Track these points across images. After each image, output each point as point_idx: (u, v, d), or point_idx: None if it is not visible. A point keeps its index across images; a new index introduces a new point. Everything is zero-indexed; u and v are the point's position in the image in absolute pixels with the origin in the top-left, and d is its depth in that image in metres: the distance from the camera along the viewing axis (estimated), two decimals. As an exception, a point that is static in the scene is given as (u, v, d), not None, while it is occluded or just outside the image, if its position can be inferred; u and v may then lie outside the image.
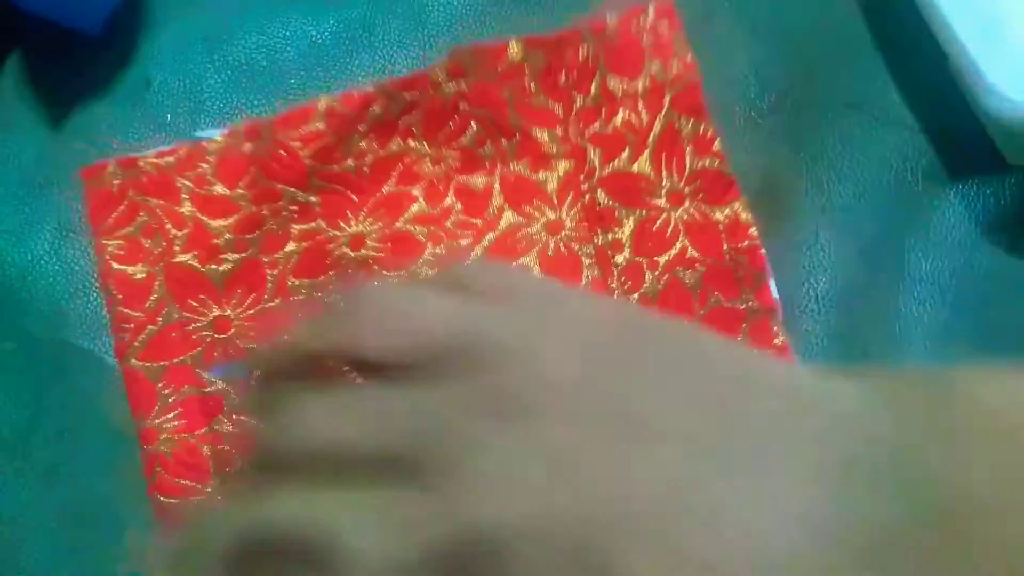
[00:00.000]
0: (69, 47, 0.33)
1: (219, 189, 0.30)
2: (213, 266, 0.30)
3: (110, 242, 0.30)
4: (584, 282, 0.30)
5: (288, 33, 0.34)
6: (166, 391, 0.29)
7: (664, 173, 0.30)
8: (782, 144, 0.31)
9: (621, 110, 0.30)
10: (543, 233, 0.30)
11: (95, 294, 0.31)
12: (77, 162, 0.32)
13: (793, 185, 0.30)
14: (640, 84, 0.30)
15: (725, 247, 0.29)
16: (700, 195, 0.30)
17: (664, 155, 0.30)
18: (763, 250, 0.29)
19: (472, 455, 0.16)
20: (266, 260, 0.30)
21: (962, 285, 0.28)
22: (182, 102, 0.33)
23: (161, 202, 0.30)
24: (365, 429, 0.17)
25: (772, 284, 0.29)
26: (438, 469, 0.16)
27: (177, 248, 0.30)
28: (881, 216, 0.28)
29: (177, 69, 0.33)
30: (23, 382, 0.31)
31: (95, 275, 0.31)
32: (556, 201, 0.30)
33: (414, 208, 0.31)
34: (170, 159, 0.30)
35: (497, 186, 0.31)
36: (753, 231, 0.29)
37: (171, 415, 0.29)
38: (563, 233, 0.30)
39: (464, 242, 0.30)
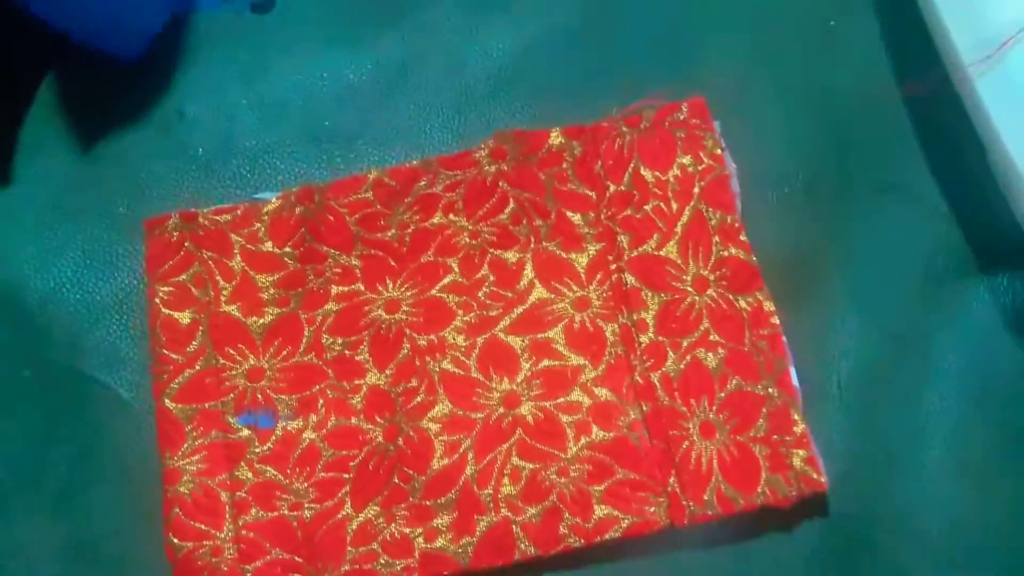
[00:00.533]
0: (103, 73, 0.34)
1: (269, 246, 0.32)
2: (255, 318, 0.31)
3: (162, 288, 0.32)
4: (607, 357, 0.30)
5: (325, 74, 0.34)
6: (194, 434, 0.30)
7: (691, 259, 0.31)
8: (814, 224, 0.32)
9: (652, 199, 0.32)
10: (570, 308, 0.31)
11: (114, 326, 0.32)
12: (107, 188, 0.32)
13: (822, 267, 0.31)
14: (671, 175, 0.32)
15: (747, 334, 0.30)
16: (724, 282, 0.31)
17: (691, 243, 0.31)
18: (784, 339, 0.30)
19: None
20: (304, 316, 0.32)
21: (987, 382, 0.28)
22: (214, 136, 0.34)
23: (214, 255, 0.32)
24: None
25: (793, 372, 0.29)
26: None
27: (224, 298, 0.32)
28: (909, 305, 0.29)
29: (211, 103, 0.34)
30: (38, 411, 0.31)
31: (116, 309, 0.32)
32: (585, 279, 0.32)
33: (449, 278, 0.32)
34: (227, 216, 0.32)
35: (530, 262, 0.32)
36: (775, 320, 0.30)
37: (196, 457, 0.30)
38: (590, 310, 0.31)
39: (494, 312, 0.31)
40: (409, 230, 0.32)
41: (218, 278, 0.32)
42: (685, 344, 0.30)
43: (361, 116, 0.34)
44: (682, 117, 0.32)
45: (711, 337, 0.30)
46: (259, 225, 0.32)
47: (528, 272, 0.32)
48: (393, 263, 0.32)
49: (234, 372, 0.31)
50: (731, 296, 0.31)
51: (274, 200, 0.33)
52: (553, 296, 0.31)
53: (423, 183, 0.33)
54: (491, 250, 0.32)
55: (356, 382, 0.31)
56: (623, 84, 0.33)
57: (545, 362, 0.31)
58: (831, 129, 0.33)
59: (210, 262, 0.32)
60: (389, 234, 0.32)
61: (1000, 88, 0.28)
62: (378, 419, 0.30)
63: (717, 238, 0.31)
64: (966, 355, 0.29)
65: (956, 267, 0.30)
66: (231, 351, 0.31)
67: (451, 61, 0.35)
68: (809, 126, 0.33)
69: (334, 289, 0.32)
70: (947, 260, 0.31)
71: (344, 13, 0.36)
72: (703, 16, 0.35)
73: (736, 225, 0.31)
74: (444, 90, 0.35)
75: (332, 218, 0.32)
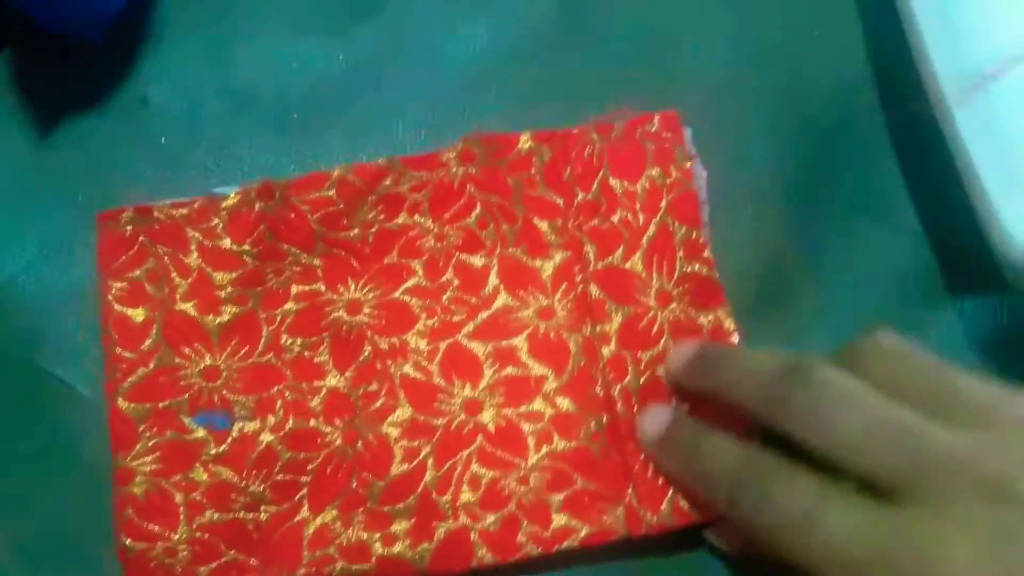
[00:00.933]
0: (64, 54, 0.32)
1: (227, 243, 0.31)
2: (211, 316, 0.31)
3: (116, 284, 0.31)
4: (570, 368, 0.31)
5: (295, 63, 0.33)
6: (147, 434, 0.30)
7: (655, 273, 0.31)
8: (786, 240, 0.32)
9: (619, 209, 0.32)
10: (534, 317, 0.31)
11: (72, 320, 0.31)
12: (65, 175, 0.31)
13: (792, 283, 0.31)
14: (639, 187, 0.32)
15: None
16: (687, 298, 0.31)
17: (656, 256, 0.31)
18: None
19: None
20: (263, 315, 0.31)
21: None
22: (178, 125, 0.32)
23: (169, 250, 0.31)
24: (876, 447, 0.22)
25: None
26: (916, 501, 0.21)
27: (179, 296, 0.31)
28: (878, 323, 0.29)
29: (176, 89, 0.32)
30: (-8, 404, 0.30)
31: (73, 300, 0.31)
32: (550, 288, 0.32)
33: (413, 280, 0.32)
34: (184, 211, 0.31)
35: (495, 267, 0.32)
36: (735, 338, 0.31)
37: (149, 458, 0.29)
38: (553, 320, 0.31)
39: (458, 318, 0.31)
40: (372, 230, 0.32)
41: (174, 275, 0.31)
42: (645, 359, 0.30)
43: (332, 109, 0.33)
44: (653, 129, 0.32)
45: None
46: (217, 221, 0.31)
47: (493, 278, 0.32)
48: (355, 264, 0.32)
49: (189, 371, 0.30)
50: (692, 312, 0.31)
51: (233, 195, 0.32)
52: (518, 304, 0.31)
53: (388, 182, 0.32)
54: (456, 253, 0.32)
55: (315, 384, 0.31)
56: (599, 88, 0.33)
57: (508, 370, 0.31)
58: (809, 145, 0.33)
59: (165, 258, 0.31)
60: (352, 233, 0.32)
61: (979, 121, 0.28)
62: (337, 422, 0.30)
63: (682, 253, 0.31)
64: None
65: (926, 291, 0.31)
66: (187, 350, 0.30)
67: (426, 57, 0.34)
68: (787, 141, 0.33)
69: (294, 288, 0.31)
70: (917, 283, 0.31)
71: (318, 1, 0.35)
72: (684, 25, 0.35)
73: (701, 241, 0.31)
74: (418, 86, 0.34)
75: (293, 215, 0.31)
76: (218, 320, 0.31)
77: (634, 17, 0.35)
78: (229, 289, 0.31)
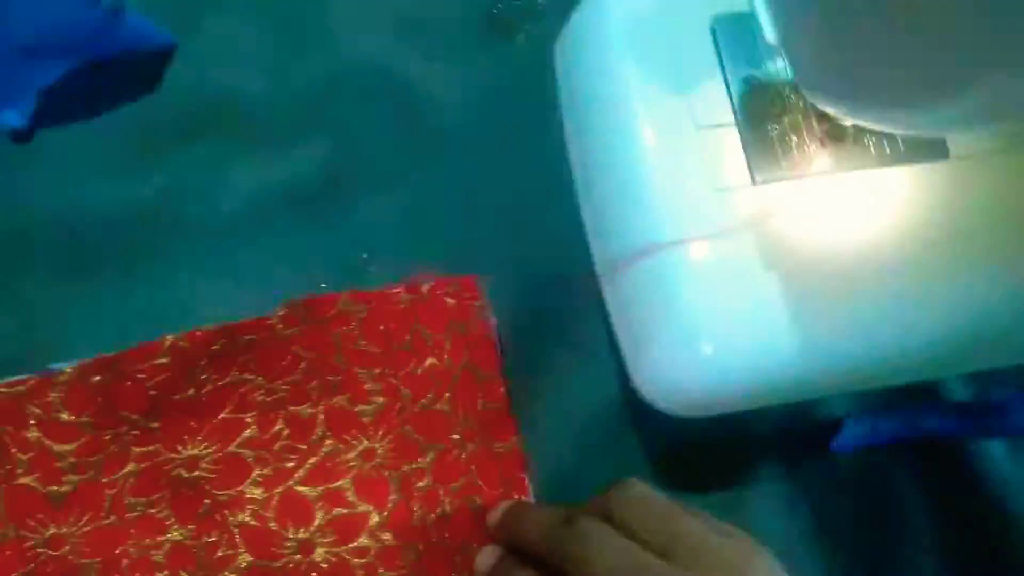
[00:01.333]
0: None
1: (65, 416, 0.34)
2: (53, 487, 0.33)
3: (-46, 464, 0.32)
4: (390, 505, 0.35)
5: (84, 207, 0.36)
6: (-4, 607, 0.32)
7: (461, 413, 0.37)
8: (519, 376, 0.38)
9: (430, 357, 0.37)
10: (358, 459, 0.36)
11: None
12: None
13: (519, 414, 0.38)
14: (446, 337, 0.37)
15: (500, 476, 0.36)
16: (487, 432, 0.37)
17: (461, 398, 0.37)
18: (527, 480, 0.36)
19: None
20: (105, 480, 0.34)
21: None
22: None
23: (9, 428, 0.33)
24: None
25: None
26: None
27: (20, 471, 0.33)
28: (582, 451, 0.36)
29: None
30: None
31: None
32: (371, 431, 0.36)
33: (247, 433, 0.35)
34: (21, 388, 0.34)
35: (321, 416, 0.36)
36: (523, 463, 0.37)
37: (-2, 630, 0.31)
38: (375, 460, 0.36)
39: (289, 465, 0.35)
40: (206, 389, 0.35)
41: (13, 450, 0.33)
42: (454, 488, 0.36)
43: (127, 253, 0.37)
44: (454, 289, 0.38)
45: (475, 483, 0.36)
46: (55, 395, 0.34)
47: (320, 425, 0.36)
48: (192, 423, 0.35)
49: (34, 542, 0.32)
50: (492, 444, 0.37)
51: (69, 369, 0.34)
52: (343, 447, 0.36)
53: (217, 346, 0.35)
54: (286, 406, 0.36)
55: (158, 539, 0.34)
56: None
57: (336, 510, 0.35)
58: (535, 304, 0.40)
59: (4, 435, 0.33)
60: (188, 394, 0.35)
61: (617, 299, 0.35)
62: (182, 574, 0.33)
63: (482, 394, 0.37)
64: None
65: (621, 421, 0.39)
66: (30, 521, 0.33)
67: (204, 202, 0.39)
68: (520, 295, 0.39)
69: (134, 451, 0.34)
70: (613, 415, 0.39)
71: (107, 147, 0.38)
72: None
73: (497, 382, 0.37)
74: (198, 234, 0.38)
75: (130, 383, 0.34)
76: (61, 490, 0.33)
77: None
78: (70, 460, 0.33)
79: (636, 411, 0.38)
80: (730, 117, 0.34)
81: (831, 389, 0.35)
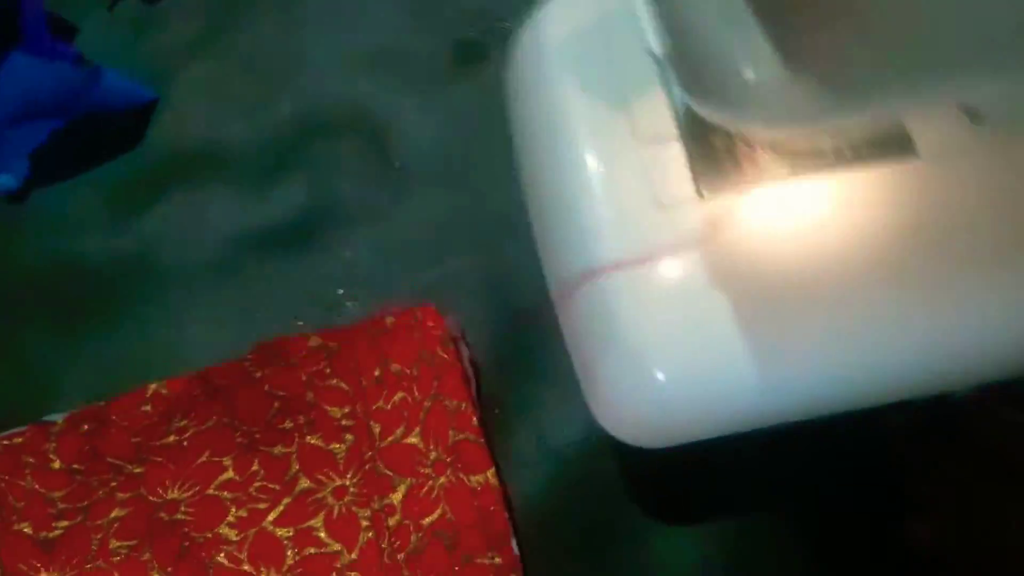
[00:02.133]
0: None
1: (57, 464, 0.36)
2: (44, 532, 0.35)
3: (-43, 513, 0.35)
4: (360, 542, 0.35)
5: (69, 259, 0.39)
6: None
7: (431, 445, 0.36)
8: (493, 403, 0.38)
9: (399, 391, 0.37)
10: (330, 498, 0.36)
11: None
12: None
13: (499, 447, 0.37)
14: (414, 369, 0.37)
15: (477, 511, 0.35)
16: (459, 464, 0.36)
17: (431, 430, 0.36)
18: (506, 514, 0.35)
19: None
20: (91, 525, 0.35)
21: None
22: None
23: (7, 477, 0.36)
24: None
25: (514, 543, 0.35)
26: None
27: (15, 518, 0.35)
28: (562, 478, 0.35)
29: None
30: None
31: None
32: (343, 468, 0.36)
33: (224, 475, 0.36)
34: (18, 440, 0.36)
35: (295, 455, 0.37)
36: (500, 496, 0.36)
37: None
38: (346, 498, 0.36)
39: (263, 505, 0.36)
40: (187, 435, 0.37)
41: (11, 499, 0.35)
42: (426, 524, 0.35)
43: (112, 303, 0.39)
44: (416, 320, 0.38)
45: (447, 517, 0.35)
46: (48, 445, 0.36)
47: (294, 465, 0.37)
48: (172, 467, 0.36)
49: (28, 586, 0.35)
50: (464, 476, 0.36)
51: (61, 420, 0.36)
52: (315, 486, 0.36)
53: (197, 392, 0.37)
54: (261, 447, 0.37)
55: (142, 581, 0.35)
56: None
57: (308, 550, 0.35)
58: (511, 334, 0.39)
59: (2, 484, 0.36)
60: (168, 440, 0.37)
61: (568, 321, 0.33)
62: (164, 613, 0.35)
63: (453, 424, 0.36)
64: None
65: (601, 451, 0.37)
66: (22, 567, 0.35)
67: (184, 248, 0.40)
68: (496, 326, 0.39)
69: (119, 496, 0.36)
70: (594, 444, 0.37)
71: (91, 201, 0.41)
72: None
73: (468, 412, 0.37)
74: (179, 279, 0.40)
75: (115, 431, 0.36)
76: (51, 535, 0.35)
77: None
78: (60, 506, 0.36)
79: (617, 441, 0.37)
80: (674, 129, 0.32)
81: (798, 415, 0.32)
